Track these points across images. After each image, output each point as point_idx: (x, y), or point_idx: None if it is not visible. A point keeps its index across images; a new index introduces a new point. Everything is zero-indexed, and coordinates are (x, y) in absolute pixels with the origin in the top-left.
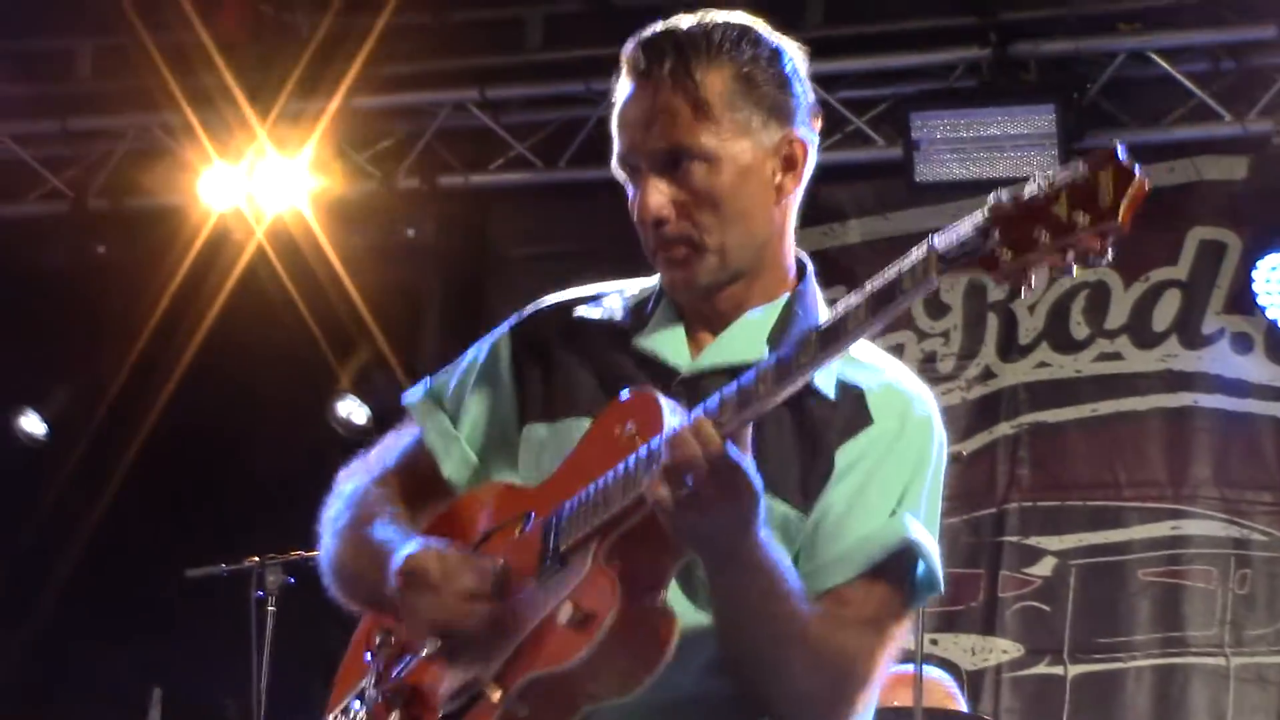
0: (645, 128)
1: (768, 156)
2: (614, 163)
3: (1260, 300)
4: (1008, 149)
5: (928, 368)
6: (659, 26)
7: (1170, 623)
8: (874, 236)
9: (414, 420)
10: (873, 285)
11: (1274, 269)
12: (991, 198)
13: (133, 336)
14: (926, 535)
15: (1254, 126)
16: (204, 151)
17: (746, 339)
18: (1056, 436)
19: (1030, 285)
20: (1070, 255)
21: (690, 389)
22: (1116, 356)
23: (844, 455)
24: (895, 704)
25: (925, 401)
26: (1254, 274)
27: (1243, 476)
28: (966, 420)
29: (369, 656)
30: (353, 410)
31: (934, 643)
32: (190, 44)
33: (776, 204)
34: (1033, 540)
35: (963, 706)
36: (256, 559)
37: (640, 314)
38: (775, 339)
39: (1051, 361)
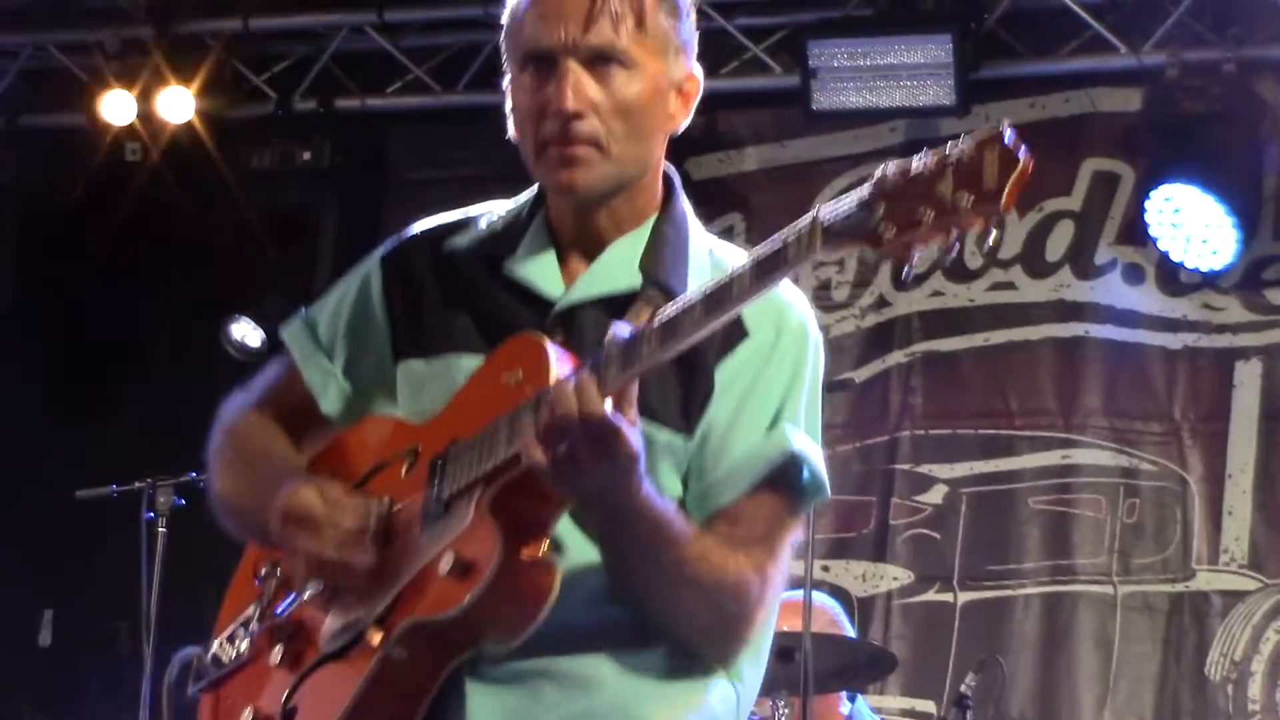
0: (583, 22)
1: (672, 86)
2: (518, 55)
3: (1152, 231)
4: (904, 78)
5: (822, 295)
6: None
7: (1059, 551)
8: (771, 164)
9: (290, 353)
10: (758, 253)
11: (1167, 199)
12: (877, 172)
13: (30, 253)
14: (809, 443)
15: (1149, 58)
16: (101, 73)
17: (619, 266)
18: (949, 365)
19: (913, 262)
20: (953, 234)
21: (566, 322)
22: (1009, 286)
23: (722, 372)
24: (784, 629)
25: (799, 307)
26: (1146, 205)
27: (1132, 406)
28: (860, 348)
29: (257, 583)
30: (246, 333)
31: (825, 569)
32: None
33: (665, 132)
34: (924, 468)
35: (848, 632)
36: (148, 480)
37: (510, 238)
38: (646, 264)
39: (945, 290)
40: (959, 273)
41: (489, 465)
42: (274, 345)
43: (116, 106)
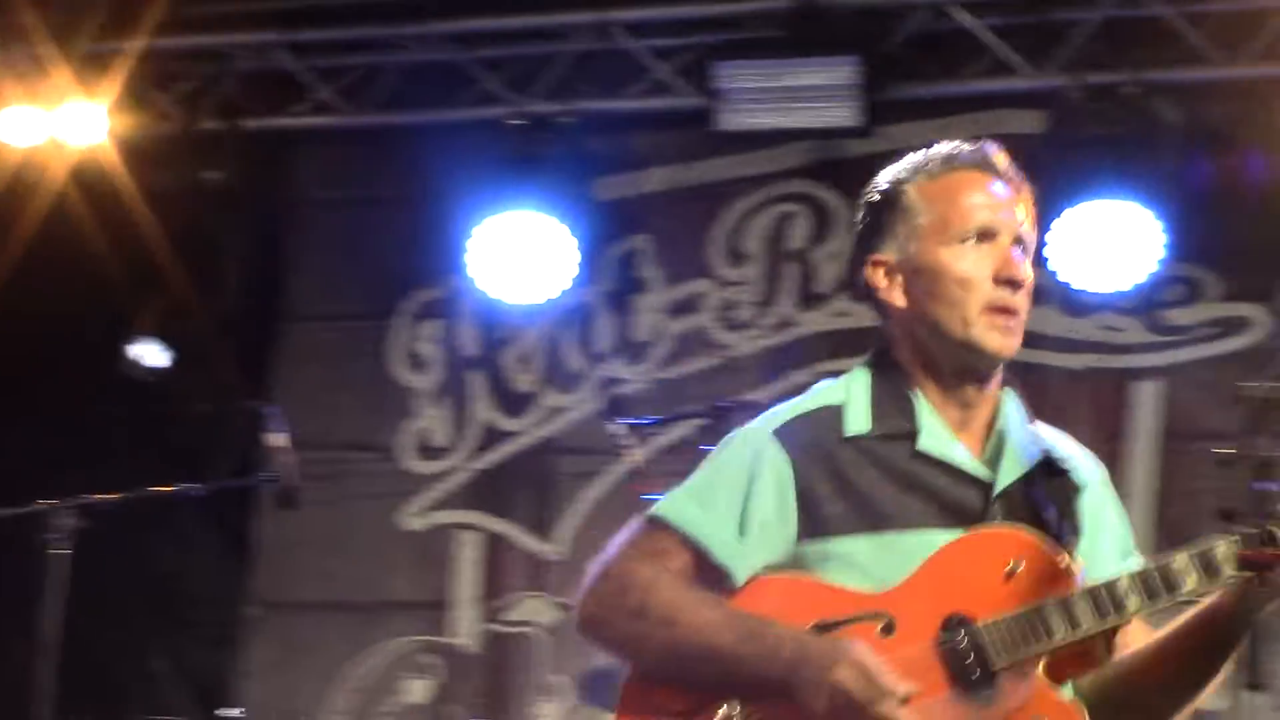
0: (1015, 215)
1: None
2: (959, 228)
3: (1054, 253)
4: (810, 99)
5: (727, 315)
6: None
7: None
8: (676, 185)
9: (684, 530)
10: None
11: (1070, 221)
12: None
13: None
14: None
15: (1052, 81)
16: (8, 90)
17: (1019, 445)
18: None
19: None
20: None
21: (1008, 502)
22: None
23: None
24: None
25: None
26: (1051, 226)
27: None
28: (764, 368)
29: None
30: (146, 353)
31: None
32: None
33: None
34: None
35: None
36: (48, 503)
37: (902, 415)
38: (1027, 431)
39: (849, 311)
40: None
41: (1049, 643)
42: (181, 366)
43: (25, 125)
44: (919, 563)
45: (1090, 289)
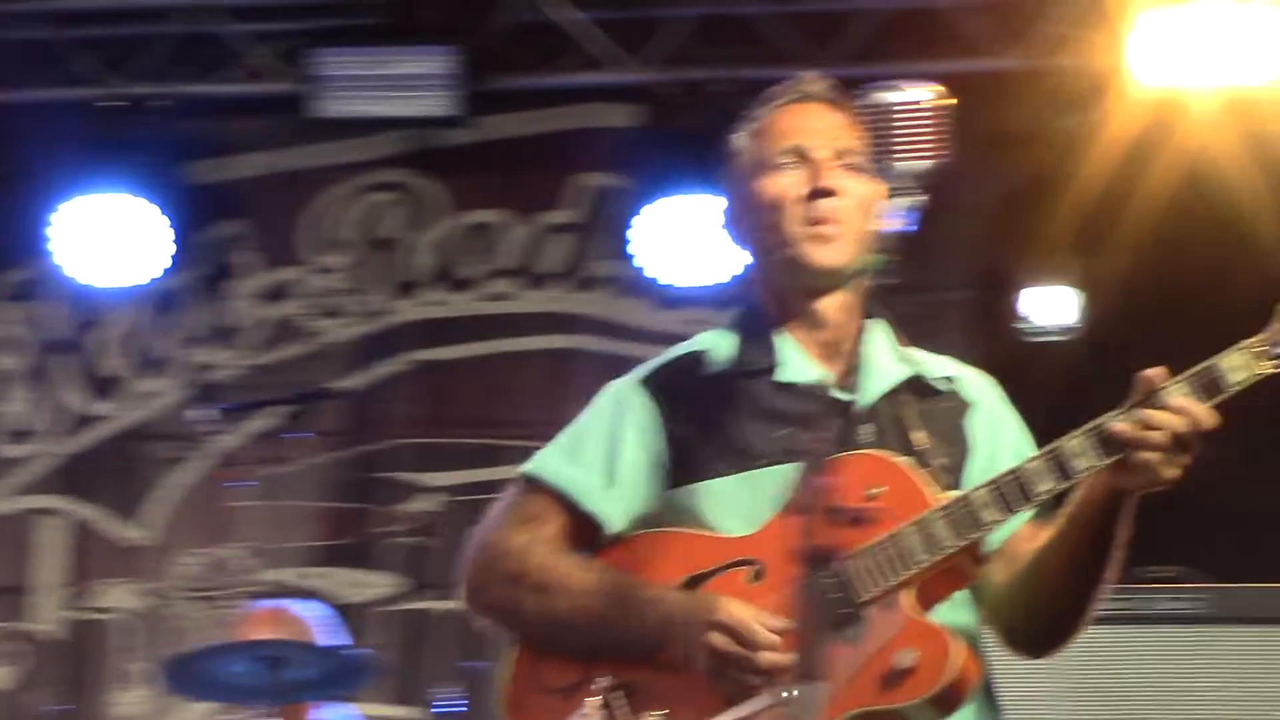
0: (829, 130)
1: (876, 196)
2: (761, 155)
3: (645, 246)
4: (407, 89)
5: (320, 304)
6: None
7: None
8: (271, 170)
9: (554, 484)
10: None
11: (661, 215)
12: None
13: None
14: None
15: (645, 76)
16: None
17: (885, 362)
18: (444, 374)
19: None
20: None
21: (873, 415)
22: (505, 297)
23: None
24: (267, 637)
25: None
26: (641, 220)
27: None
28: (356, 356)
29: (598, 706)
30: None
31: (315, 577)
32: None
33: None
34: (416, 476)
35: (328, 640)
36: None
37: (762, 351)
38: (896, 354)
39: (443, 300)
40: (456, 283)
41: (911, 570)
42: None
43: None
44: (779, 499)
45: (678, 283)
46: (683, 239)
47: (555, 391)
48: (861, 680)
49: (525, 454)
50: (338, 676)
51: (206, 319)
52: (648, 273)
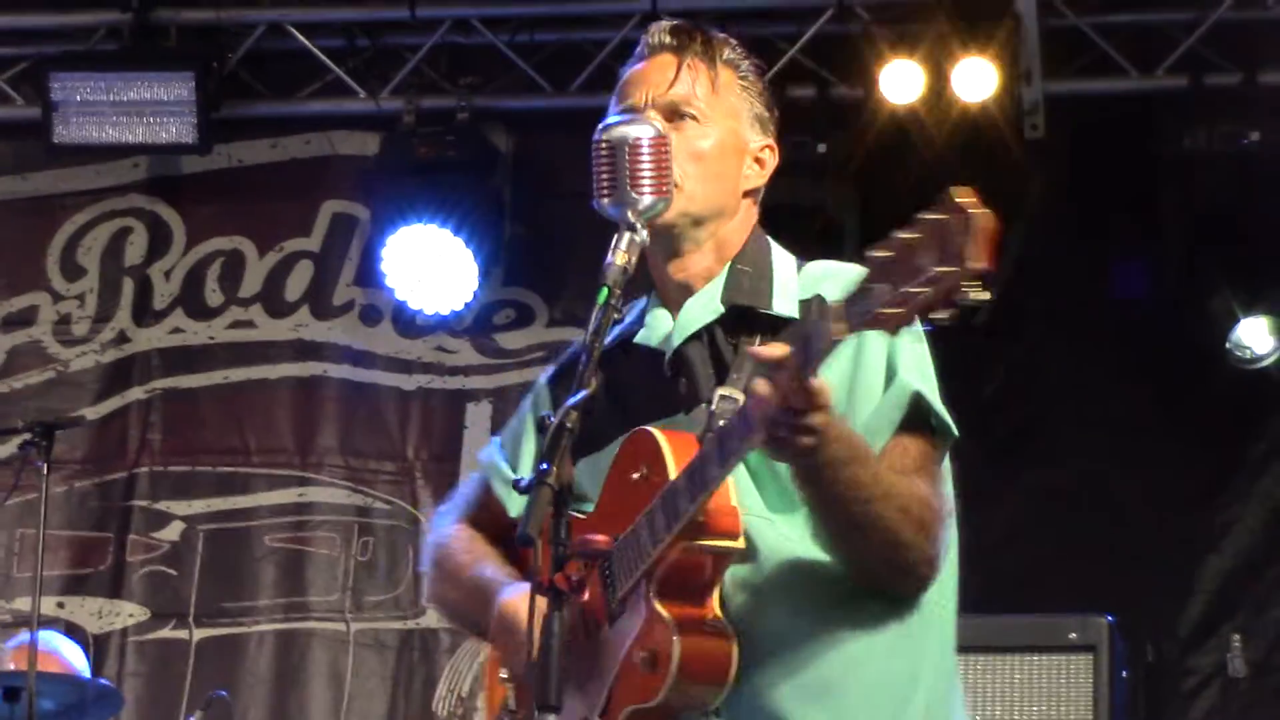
0: (663, 84)
1: (746, 149)
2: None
3: (388, 274)
4: (148, 114)
5: (62, 329)
6: (684, 22)
7: (294, 588)
8: (11, 196)
9: (483, 470)
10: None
11: (403, 243)
12: (868, 257)
13: None
14: (931, 389)
15: (386, 104)
16: None
17: (705, 303)
18: (189, 402)
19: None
20: (947, 297)
21: (680, 364)
22: (250, 324)
23: (829, 366)
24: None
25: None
26: (382, 249)
27: (367, 445)
28: (99, 384)
29: (501, 681)
30: None
31: (61, 606)
32: None
33: (741, 190)
34: (162, 504)
35: (80, 671)
36: None
37: (631, 320)
38: (726, 297)
39: (186, 328)
40: (199, 310)
41: (644, 565)
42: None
43: None
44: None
45: (425, 310)
46: (426, 266)
47: (303, 419)
48: (626, 678)
49: (274, 481)
50: (81, 707)
51: None
52: (394, 300)
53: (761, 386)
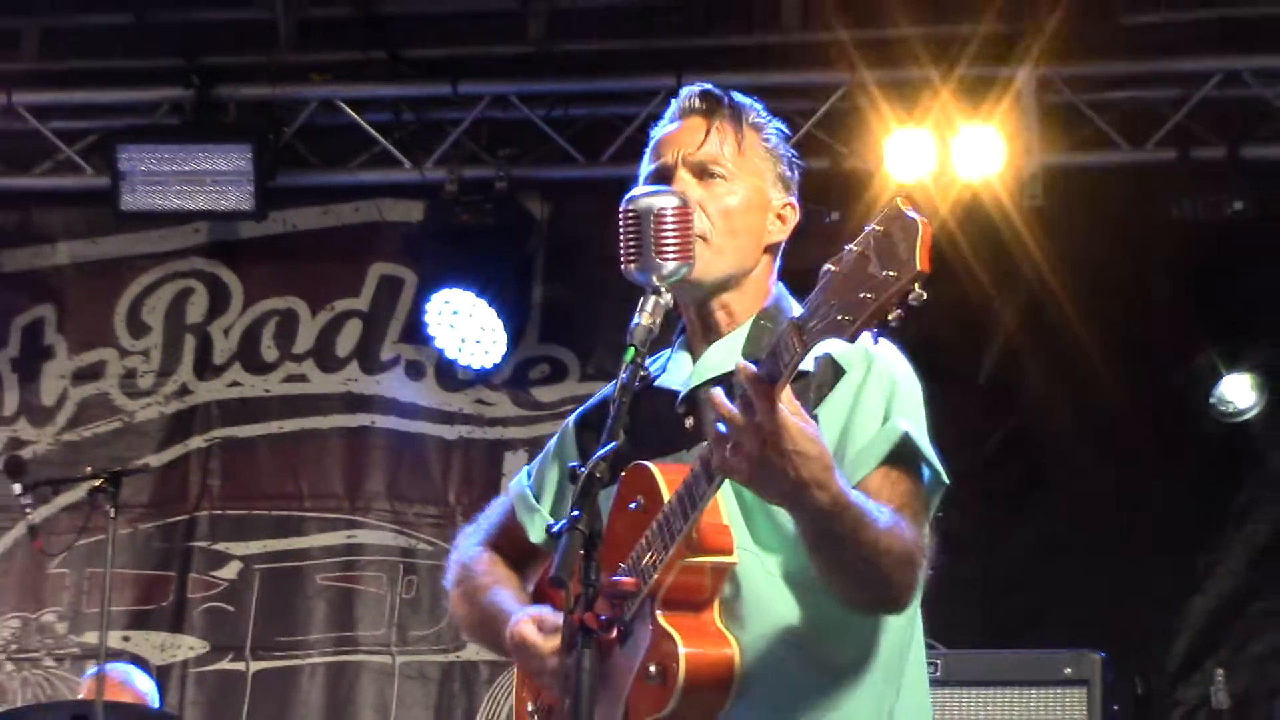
0: (694, 144)
1: (769, 206)
2: (643, 178)
3: (431, 331)
4: (208, 183)
5: (128, 383)
6: (714, 86)
7: (343, 623)
8: (82, 259)
9: (509, 496)
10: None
11: (445, 303)
12: (821, 272)
13: None
14: (920, 433)
15: (430, 174)
16: None
17: (726, 353)
18: (246, 450)
19: (889, 326)
20: (895, 300)
21: (691, 404)
22: (302, 379)
23: (824, 409)
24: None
25: (885, 353)
26: (426, 308)
27: (411, 491)
28: (163, 433)
29: (530, 708)
30: None
31: (126, 639)
32: None
33: (764, 245)
34: (221, 545)
35: (151, 700)
36: None
37: (658, 366)
38: (746, 350)
39: (243, 381)
40: (256, 365)
41: (648, 582)
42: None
43: None
44: None
45: (463, 364)
46: (465, 325)
47: (352, 466)
48: (638, 693)
49: (324, 524)
50: None
51: (18, 397)
52: (434, 356)
53: (719, 396)
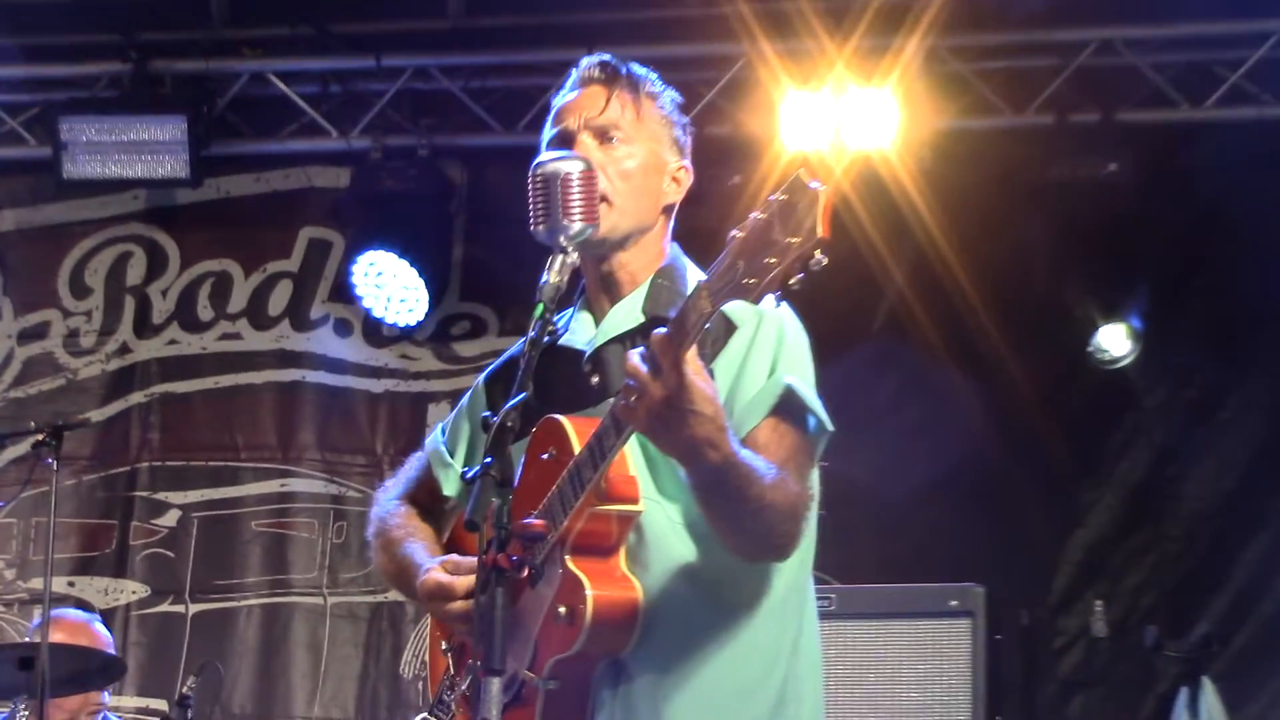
0: (595, 110)
1: (666, 169)
2: (549, 136)
3: (358, 291)
4: (146, 152)
5: (71, 342)
6: (612, 56)
7: (277, 567)
8: (27, 225)
9: (425, 449)
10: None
11: (371, 264)
12: (729, 237)
13: None
14: (805, 386)
15: (356, 142)
16: None
17: (628, 312)
18: (183, 405)
19: (791, 289)
20: (798, 265)
21: (596, 363)
22: (237, 336)
23: (719, 363)
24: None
25: (775, 310)
26: (353, 269)
27: (341, 442)
28: (104, 390)
29: (443, 651)
30: None
31: (71, 584)
32: None
33: (661, 205)
34: (160, 495)
35: (108, 640)
36: None
37: (559, 323)
38: (647, 307)
39: (180, 339)
40: (192, 324)
41: (557, 532)
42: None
43: None
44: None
45: (389, 322)
46: (390, 285)
47: (284, 419)
48: (548, 632)
49: (259, 473)
50: (91, 673)
51: None
52: (361, 314)
53: (634, 358)
